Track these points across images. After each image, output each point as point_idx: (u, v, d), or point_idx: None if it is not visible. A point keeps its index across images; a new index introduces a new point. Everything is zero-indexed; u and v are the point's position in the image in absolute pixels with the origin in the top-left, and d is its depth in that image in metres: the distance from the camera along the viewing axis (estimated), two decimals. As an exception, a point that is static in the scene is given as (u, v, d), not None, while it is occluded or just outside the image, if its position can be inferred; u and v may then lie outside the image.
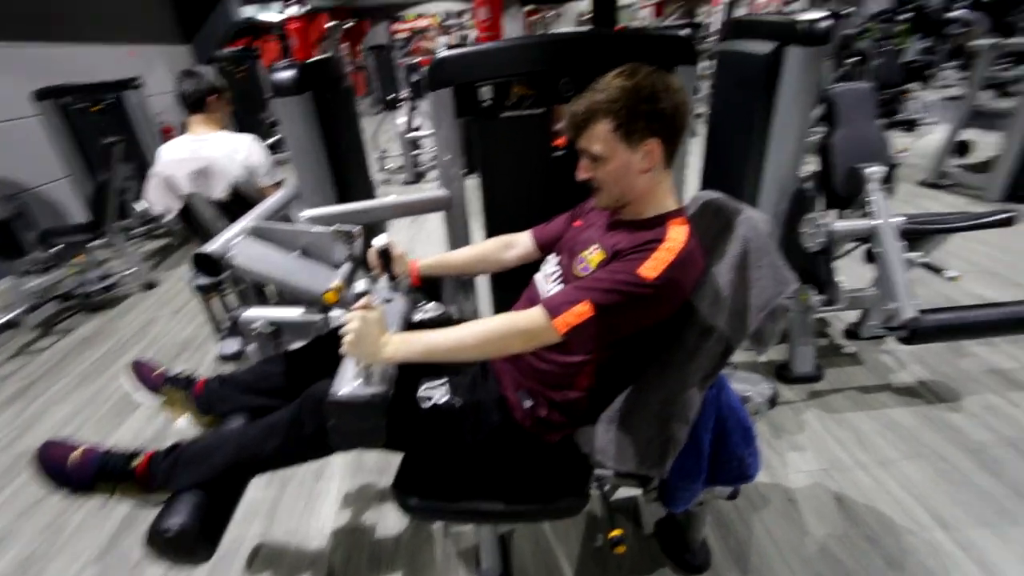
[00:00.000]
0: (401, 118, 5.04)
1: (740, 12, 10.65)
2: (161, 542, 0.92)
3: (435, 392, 1.01)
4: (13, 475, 1.94)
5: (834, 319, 2.33)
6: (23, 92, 3.91)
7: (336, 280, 1.08)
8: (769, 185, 1.86)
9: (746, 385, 1.18)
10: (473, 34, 15.19)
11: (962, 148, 3.80)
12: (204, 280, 1.91)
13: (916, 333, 1.65)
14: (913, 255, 1.71)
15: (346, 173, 2.05)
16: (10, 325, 2.83)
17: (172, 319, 3.08)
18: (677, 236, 0.88)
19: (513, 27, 14.79)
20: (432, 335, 0.89)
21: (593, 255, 0.96)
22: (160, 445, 1.07)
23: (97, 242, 3.22)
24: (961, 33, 6.44)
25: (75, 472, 0.98)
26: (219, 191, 1.98)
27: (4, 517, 1.76)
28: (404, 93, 5.60)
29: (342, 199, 1.99)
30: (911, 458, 1.61)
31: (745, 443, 1.11)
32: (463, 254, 1.26)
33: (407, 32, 15.29)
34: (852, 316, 2.23)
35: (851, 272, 1.89)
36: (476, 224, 1.65)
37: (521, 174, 1.45)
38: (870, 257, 1.74)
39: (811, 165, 2.02)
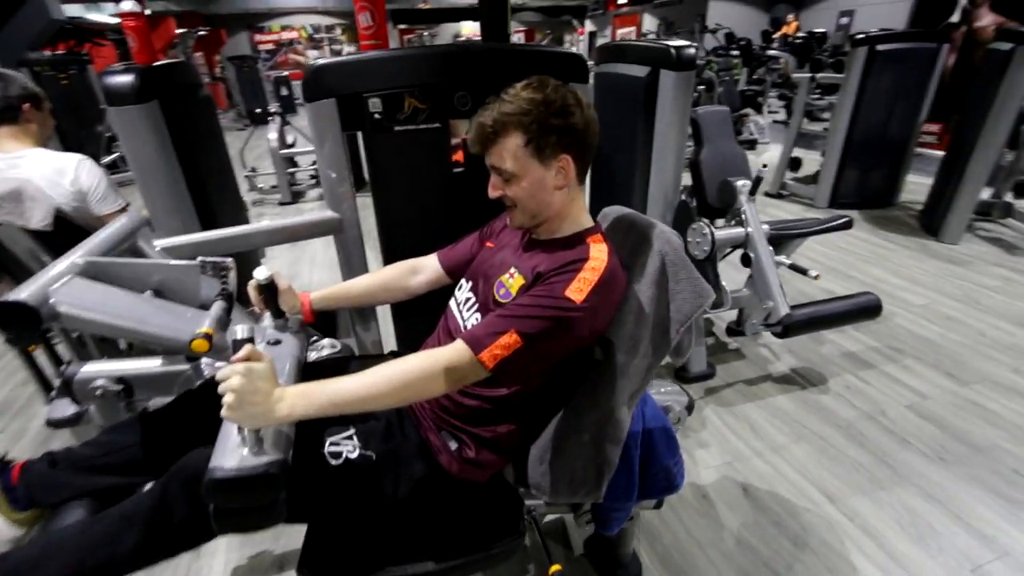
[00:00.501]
0: (272, 133, 4.62)
1: (601, 41, 11.64)
2: None
3: (344, 446, 0.87)
4: None
5: (716, 318, 2.54)
6: None
7: (206, 323, 0.88)
8: (655, 198, 1.96)
9: (664, 395, 1.20)
10: (347, 49, 14.70)
11: (794, 164, 4.46)
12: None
13: (789, 328, 1.83)
14: (781, 258, 1.91)
15: (209, 195, 1.78)
16: None
17: (-24, 379, 2.43)
18: (599, 255, 0.85)
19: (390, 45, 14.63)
20: (337, 385, 0.75)
21: (513, 280, 0.89)
22: None
23: None
24: (776, 68, 7.69)
25: None
26: (37, 219, 1.59)
27: None
28: (273, 107, 5.14)
29: (207, 225, 1.71)
30: (796, 441, 1.77)
31: (670, 453, 1.11)
32: (363, 283, 1.12)
33: (272, 44, 14.31)
34: (731, 314, 2.44)
35: (724, 275, 2.07)
36: (370, 248, 1.51)
37: (419, 192, 1.34)
38: (746, 261, 1.91)
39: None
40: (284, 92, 8.12)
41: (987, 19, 4.45)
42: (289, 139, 4.90)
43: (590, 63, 2.08)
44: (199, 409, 0.95)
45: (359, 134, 1.28)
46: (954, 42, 3.91)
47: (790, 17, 10.38)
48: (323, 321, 1.16)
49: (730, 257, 2.17)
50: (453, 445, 0.92)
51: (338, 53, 13.49)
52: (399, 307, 1.55)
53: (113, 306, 0.86)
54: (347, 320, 1.36)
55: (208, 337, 0.85)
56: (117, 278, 0.93)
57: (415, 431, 0.94)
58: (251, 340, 0.72)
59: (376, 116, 1.21)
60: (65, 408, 1.58)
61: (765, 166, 1.97)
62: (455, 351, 0.78)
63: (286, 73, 8.78)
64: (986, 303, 2.58)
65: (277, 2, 13.55)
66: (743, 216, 1.89)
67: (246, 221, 2.30)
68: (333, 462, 0.85)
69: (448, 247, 1.14)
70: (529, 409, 0.95)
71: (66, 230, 1.62)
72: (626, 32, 12.28)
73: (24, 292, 0.80)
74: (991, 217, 3.47)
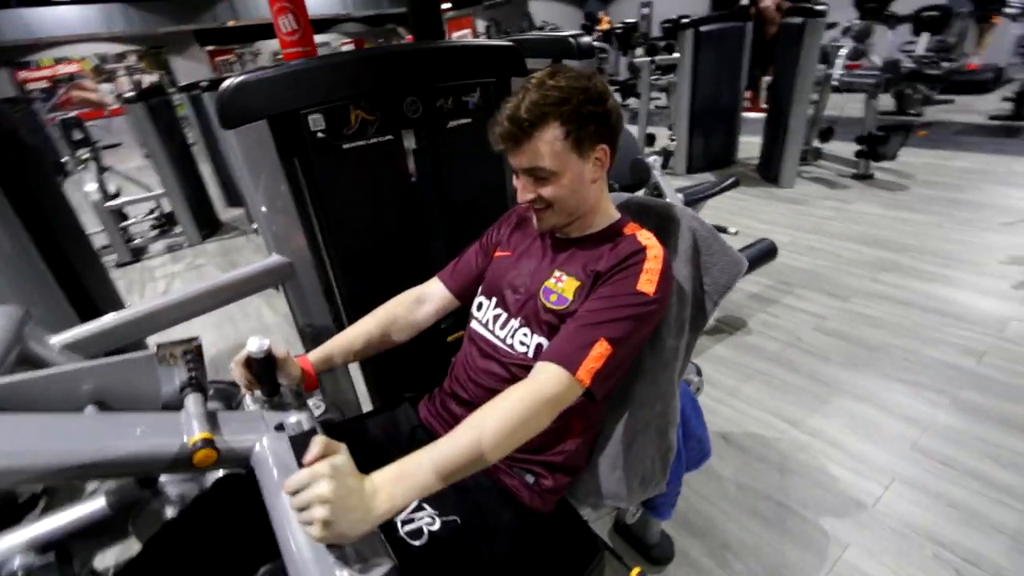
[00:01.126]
0: (90, 184, 3.79)
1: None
2: None
3: (420, 520, 0.73)
4: None
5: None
6: None
7: (195, 427, 0.67)
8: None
9: (679, 369, 1.23)
10: (148, 79, 12.62)
11: (650, 140, 4.94)
12: None
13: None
14: (699, 221, 2.08)
15: (71, 266, 1.37)
16: None
17: None
18: (653, 244, 0.81)
19: (199, 69, 12.94)
20: (436, 452, 0.62)
21: (563, 284, 0.82)
22: None
23: None
24: (603, 58, 8.44)
25: None
26: None
27: None
28: (81, 153, 4.22)
29: (78, 305, 1.33)
30: (745, 380, 1.96)
31: (700, 422, 1.15)
32: (362, 330, 0.94)
33: (46, 81, 11.73)
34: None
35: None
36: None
37: (376, 214, 1.19)
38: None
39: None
40: (79, 136, 6.73)
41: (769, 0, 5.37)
42: (111, 188, 4.07)
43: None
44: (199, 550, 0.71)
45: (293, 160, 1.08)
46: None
47: (601, 13, 11.45)
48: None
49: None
50: (529, 479, 0.82)
51: (138, 84, 11.57)
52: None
53: (50, 439, 0.61)
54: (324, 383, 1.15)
55: (210, 442, 0.65)
56: (33, 402, 0.66)
57: (486, 478, 0.82)
58: (315, 431, 0.56)
59: (319, 135, 1.03)
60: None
61: (673, 140, 2.12)
62: (550, 376, 0.69)
63: (74, 113, 7.28)
64: (831, 230, 3.12)
65: (45, 30, 10.95)
66: (660, 188, 2.02)
67: (116, 291, 1.83)
68: (415, 543, 0.71)
69: (448, 268, 1.02)
70: (589, 417, 0.89)
71: None
72: (461, 34, 12.48)
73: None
74: (807, 161, 4.20)
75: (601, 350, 0.70)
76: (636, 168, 2.12)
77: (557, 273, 0.84)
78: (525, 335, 0.84)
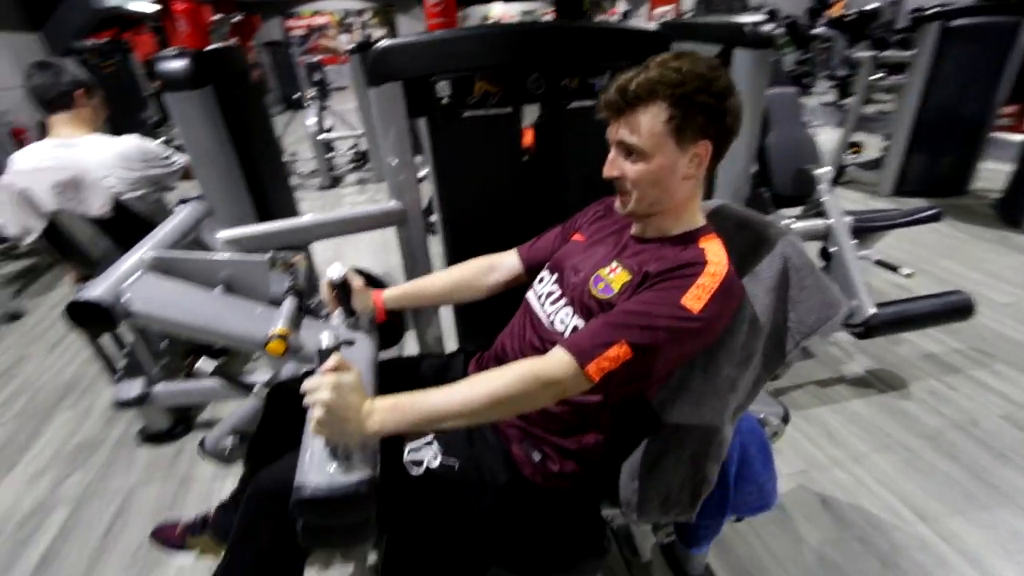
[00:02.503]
0: (311, 119, 4.60)
1: (636, 20, 11.22)
2: None
3: (424, 453, 0.81)
4: None
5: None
6: None
7: (280, 323, 0.83)
8: (723, 188, 1.83)
9: (759, 406, 1.10)
10: (376, 33, 14.55)
11: (854, 148, 4.18)
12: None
13: (873, 329, 1.69)
14: (866, 252, 1.76)
15: (263, 183, 1.74)
16: None
17: (48, 356, 2.51)
18: (718, 259, 0.74)
19: (418, 27, 14.43)
20: (430, 400, 0.68)
21: (615, 275, 0.80)
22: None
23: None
24: (826, 47, 7.26)
25: None
26: (97, 207, 1.58)
27: None
28: (310, 92, 5.14)
29: (261, 215, 1.68)
30: (879, 450, 1.64)
31: (765, 469, 1.02)
32: (437, 282, 1.04)
33: (304, 29, 14.34)
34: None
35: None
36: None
37: (486, 183, 1.26)
38: (825, 256, 1.77)
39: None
40: (318, 77, 8.16)
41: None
42: (327, 124, 4.90)
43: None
44: (276, 423, 0.92)
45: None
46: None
47: (837, -6, 9.75)
48: (392, 320, 1.10)
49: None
50: (536, 457, 0.84)
51: (368, 37, 13.44)
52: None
53: (185, 304, 0.82)
54: (409, 316, 1.29)
55: (284, 338, 0.80)
56: (186, 273, 0.89)
57: (497, 441, 0.87)
58: (338, 349, 0.66)
59: (444, 101, 1.13)
60: (132, 388, 1.60)
61: (855, 151, 1.80)
62: (558, 362, 0.70)
63: (318, 58, 8.80)
64: (1081, 303, 2.35)
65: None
66: (824, 207, 1.74)
67: (296, 209, 2.27)
68: (414, 471, 0.79)
69: (528, 243, 1.05)
70: (619, 420, 0.86)
71: (124, 217, 1.61)
72: (664, 11, 11.78)
73: (97, 290, 0.76)
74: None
75: (619, 352, 0.68)
76: (799, 179, 1.85)
77: (614, 264, 0.82)
78: (567, 315, 0.84)
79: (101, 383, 2.24)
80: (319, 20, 14.56)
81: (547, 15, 15.08)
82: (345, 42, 14.47)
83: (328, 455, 0.64)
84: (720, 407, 0.81)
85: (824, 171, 1.76)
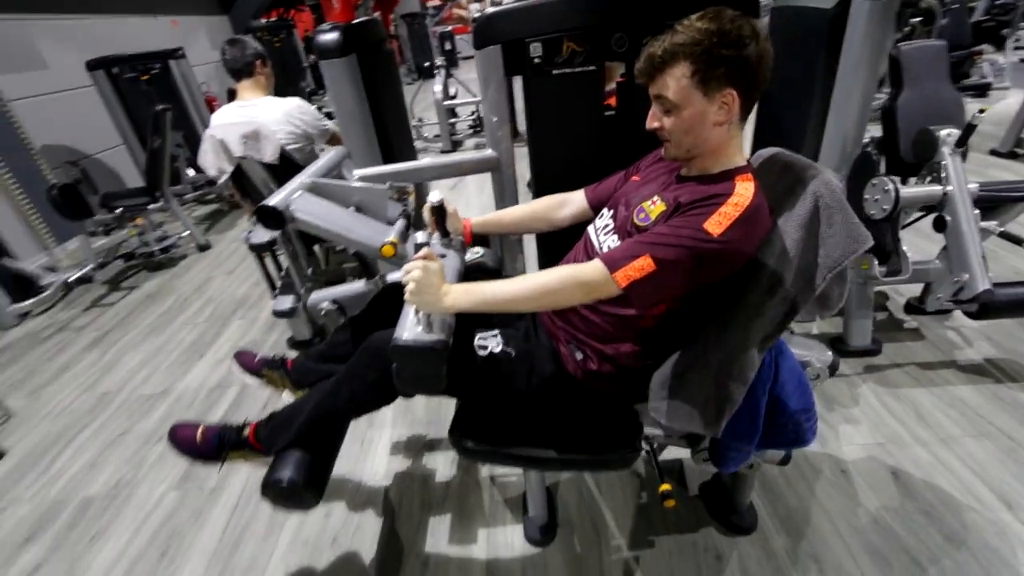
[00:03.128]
0: (437, 86, 4.99)
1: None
2: (273, 492, 1.04)
3: (490, 342, 1.03)
4: (98, 412, 2.13)
5: (894, 293, 2.22)
6: (79, 63, 4.06)
7: (392, 235, 1.09)
8: (829, 148, 1.76)
9: (806, 351, 1.15)
10: (506, 2, 14.78)
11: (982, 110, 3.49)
12: (258, 239, 1.98)
13: (988, 307, 1.55)
14: (988, 224, 1.60)
15: (389, 134, 2.06)
16: (83, 280, 3.04)
17: (227, 279, 3.22)
18: (744, 192, 0.84)
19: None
20: (491, 286, 0.90)
21: (654, 206, 0.93)
22: (261, 415, 1.20)
23: (154, 206, 3.36)
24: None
25: (202, 447, 1.15)
26: (269, 154, 2.02)
27: (93, 448, 1.94)
28: (439, 61, 5.53)
29: (386, 160, 2.00)
30: (976, 436, 1.54)
31: (803, 407, 1.08)
32: (516, 212, 1.25)
33: (440, 0, 15.01)
34: (913, 291, 2.13)
35: (912, 244, 1.79)
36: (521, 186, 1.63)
37: (571, 134, 1.41)
38: (939, 225, 1.64)
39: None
40: (448, 47, 8.62)
41: None
42: (451, 91, 5.27)
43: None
44: (382, 307, 1.21)
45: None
46: None
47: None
48: (478, 244, 1.33)
49: (922, 225, 1.87)
50: (579, 355, 1.02)
51: (497, 3, 13.69)
52: (543, 240, 1.67)
53: (328, 215, 1.12)
54: (497, 246, 1.51)
55: (394, 244, 1.06)
56: (330, 195, 1.19)
57: (547, 340, 1.06)
58: (427, 245, 0.89)
59: (536, 60, 1.29)
60: (285, 302, 2.06)
61: (983, 111, 1.62)
62: (593, 268, 0.87)
63: (450, 28, 9.27)
64: None
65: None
66: (944, 172, 1.61)
67: (415, 158, 2.63)
68: (480, 353, 1.02)
69: (594, 185, 1.20)
70: (653, 335, 1.00)
71: (287, 164, 2.04)
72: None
73: (274, 200, 1.08)
74: None
75: (643, 264, 0.82)
76: (921, 141, 1.71)
77: (655, 198, 0.94)
78: (614, 240, 0.99)
79: (263, 302, 2.83)
80: (454, -10, 15.12)
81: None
82: (475, 10, 14.89)
83: (416, 321, 0.88)
84: (744, 331, 0.91)
85: (947, 132, 1.61)
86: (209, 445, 1.14)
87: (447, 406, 1.87)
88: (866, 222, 1.65)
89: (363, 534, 1.46)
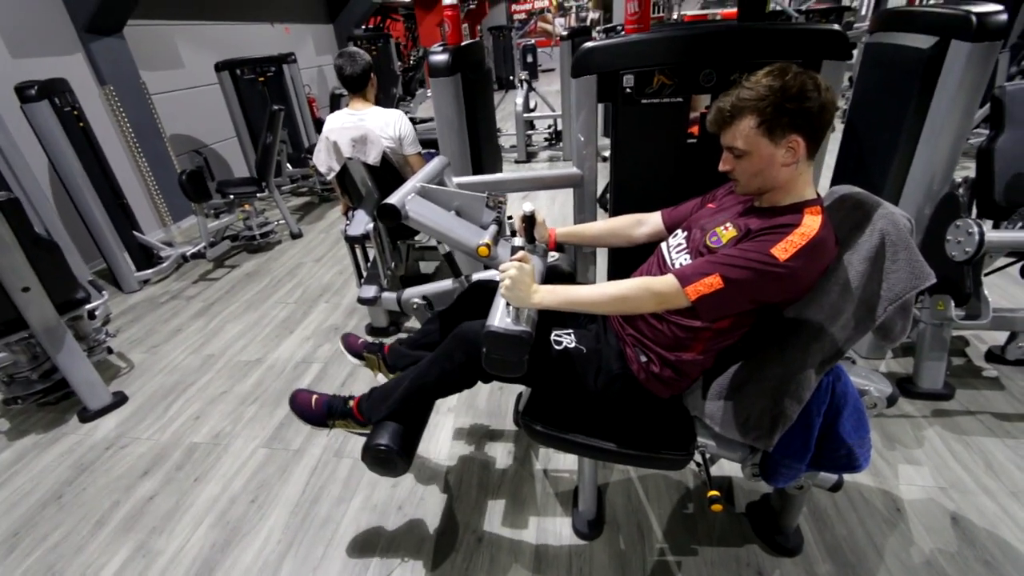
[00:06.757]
0: (519, 98, 5.21)
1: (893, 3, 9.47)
2: (372, 455, 1.21)
3: (564, 338, 1.16)
4: (203, 372, 2.45)
5: (976, 339, 2.14)
6: (209, 64, 4.62)
7: (486, 237, 1.25)
8: (914, 187, 1.76)
9: (865, 380, 1.18)
10: (591, 15, 14.96)
11: None
12: (354, 231, 2.23)
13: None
14: (1084, 275, 1.54)
15: (481, 145, 2.25)
16: (197, 256, 3.48)
17: (315, 265, 3.56)
18: (811, 223, 0.92)
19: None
20: (574, 289, 1.03)
21: (726, 231, 1.03)
22: (363, 390, 1.38)
23: (260, 195, 3.77)
24: None
25: (316, 411, 1.33)
26: (373, 157, 2.27)
27: (199, 402, 2.24)
28: (522, 74, 5.76)
29: (475, 169, 2.20)
30: (1049, 493, 1.49)
31: (857, 434, 1.13)
32: (596, 228, 1.38)
33: (525, 14, 15.43)
34: (997, 339, 2.04)
35: (1000, 290, 1.75)
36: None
37: (654, 159, 1.52)
38: (1027, 273, 1.60)
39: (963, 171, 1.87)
40: (530, 59, 8.90)
41: None
42: (532, 104, 5.48)
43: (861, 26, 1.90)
44: (469, 303, 1.38)
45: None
46: None
47: None
48: (556, 251, 1.47)
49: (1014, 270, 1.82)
50: (643, 358, 1.13)
51: (583, 20, 13.87)
52: (616, 255, 1.79)
53: (434, 216, 1.30)
54: (571, 253, 1.65)
55: (488, 246, 1.22)
56: (435, 199, 1.37)
57: (616, 342, 1.18)
58: (523, 248, 1.04)
59: (627, 90, 1.42)
60: (369, 291, 2.29)
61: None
62: (666, 281, 0.98)
63: (533, 41, 9.55)
64: None
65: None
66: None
67: (501, 169, 2.82)
68: (556, 347, 1.15)
69: (671, 207, 1.31)
70: (713, 347, 1.09)
71: (387, 167, 2.28)
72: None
73: (394, 199, 1.28)
74: None
75: (713, 281, 0.93)
76: (1016, 185, 1.67)
77: (728, 224, 1.04)
78: (686, 259, 1.10)
79: (346, 289, 3.11)
80: (540, 3, 15.48)
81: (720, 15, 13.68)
82: (561, 25, 15.21)
83: (507, 312, 1.03)
84: (804, 352, 0.99)
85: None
86: (320, 411, 1.33)
87: (507, 400, 2.02)
88: (947, 263, 1.65)
89: (425, 506, 1.63)
